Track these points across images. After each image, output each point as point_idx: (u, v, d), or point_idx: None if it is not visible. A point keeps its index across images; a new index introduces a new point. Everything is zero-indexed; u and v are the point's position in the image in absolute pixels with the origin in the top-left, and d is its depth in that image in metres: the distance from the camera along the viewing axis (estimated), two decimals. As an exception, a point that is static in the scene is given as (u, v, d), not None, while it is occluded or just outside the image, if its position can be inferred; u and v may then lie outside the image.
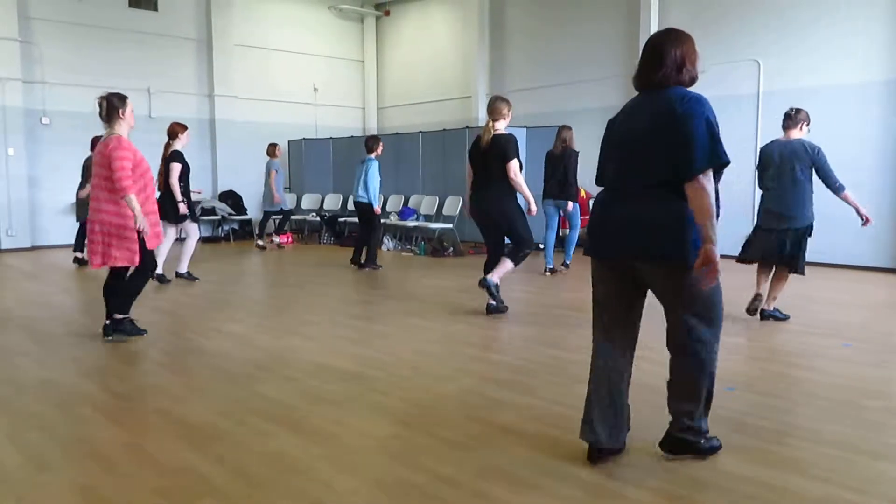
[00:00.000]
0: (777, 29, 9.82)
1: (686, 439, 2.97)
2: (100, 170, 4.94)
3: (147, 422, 3.52)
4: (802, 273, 5.68)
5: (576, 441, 3.18)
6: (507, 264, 6.07)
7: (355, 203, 9.28)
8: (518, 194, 6.06)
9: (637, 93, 3.03)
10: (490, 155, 5.93)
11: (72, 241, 12.37)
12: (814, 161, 5.54)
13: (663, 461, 2.96)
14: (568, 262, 8.99)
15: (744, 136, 9.96)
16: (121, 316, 5.21)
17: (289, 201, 13.01)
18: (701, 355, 2.85)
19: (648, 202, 2.80)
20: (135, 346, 5.06)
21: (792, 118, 5.71)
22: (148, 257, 5.17)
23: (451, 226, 11.62)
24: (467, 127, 12.48)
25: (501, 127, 5.98)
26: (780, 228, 5.62)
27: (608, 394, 2.96)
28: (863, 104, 8.99)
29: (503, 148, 5.87)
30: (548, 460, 2.97)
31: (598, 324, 3.04)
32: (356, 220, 12.44)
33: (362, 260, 9.30)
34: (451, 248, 10.95)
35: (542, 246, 9.02)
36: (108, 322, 5.23)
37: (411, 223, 12.03)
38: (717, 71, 10.13)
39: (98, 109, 5.02)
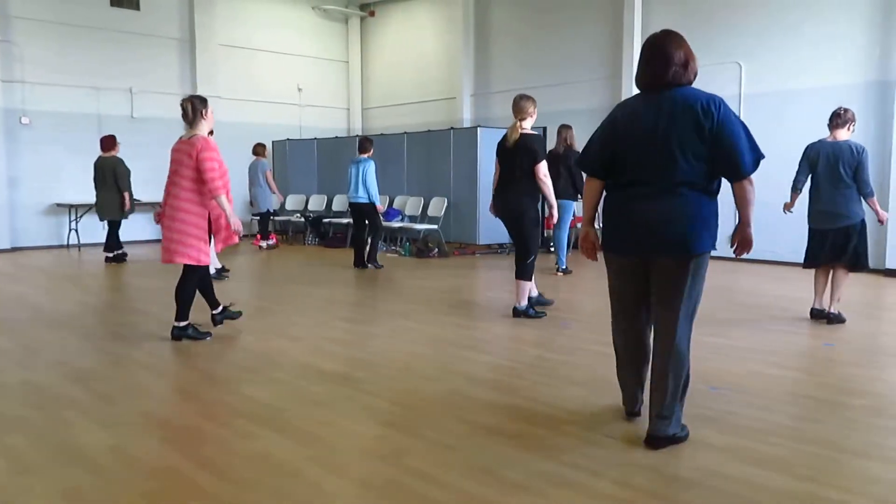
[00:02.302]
0: (758, 32, 9.93)
1: (668, 434, 3.09)
2: (182, 168, 5.03)
3: (132, 424, 3.49)
4: (867, 268, 5.76)
5: (563, 441, 3.20)
6: (522, 286, 6.00)
7: (352, 204, 9.23)
8: (539, 200, 6.04)
9: (638, 91, 3.20)
10: (517, 154, 5.85)
11: (52, 242, 12.32)
12: (858, 162, 5.56)
13: (648, 460, 2.98)
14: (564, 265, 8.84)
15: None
16: (184, 323, 5.19)
17: (273, 202, 12.85)
18: (683, 346, 3.10)
19: (674, 200, 2.99)
20: (120, 348, 5.01)
21: (840, 117, 5.69)
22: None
23: (436, 227, 11.62)
24: (452, 128, 12.47)
25: (528, 126, 5.91)
26: (836, 227, 5.64)
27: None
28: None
29: (532, 148, 5.80)
30: (534, 460, 2.98)
31: (615, 311, 3.33)
32: (342, 221, 12.51)
33: (366, 260, 9.27)
34: (436, 249, 10.94)
35: (552, 247, 9.03)
36: (177, 325, 5.20)
37: (396, 224, 12.01)
38: (699, 73, 10.19)
39: (181, 112, 5.14)
